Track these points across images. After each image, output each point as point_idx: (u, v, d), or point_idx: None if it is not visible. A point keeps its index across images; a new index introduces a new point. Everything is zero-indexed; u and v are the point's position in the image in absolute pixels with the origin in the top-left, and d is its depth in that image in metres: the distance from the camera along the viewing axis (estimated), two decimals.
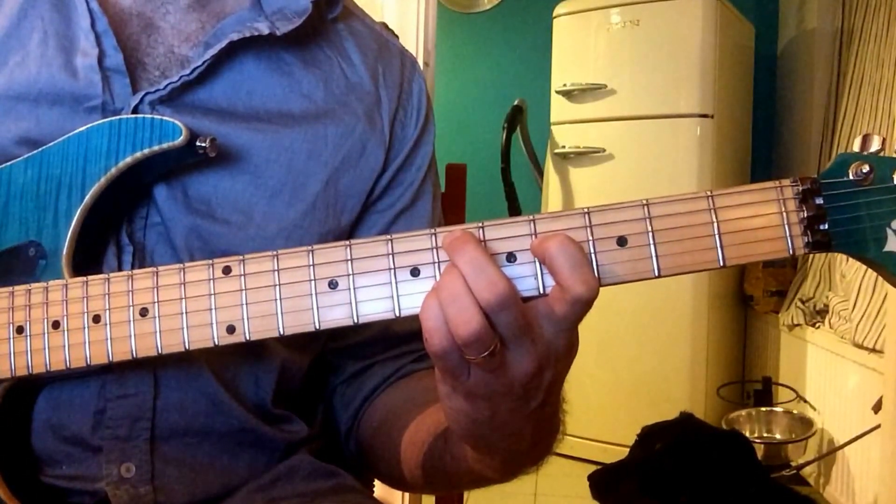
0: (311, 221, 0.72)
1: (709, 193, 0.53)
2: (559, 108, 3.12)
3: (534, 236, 0.53)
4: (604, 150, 2.97)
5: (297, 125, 0.73)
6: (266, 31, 0.70)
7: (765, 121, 3.47)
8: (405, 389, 0.78)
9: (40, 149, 0.65)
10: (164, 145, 0.63)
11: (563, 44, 3.12)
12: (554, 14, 3.13)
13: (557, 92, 3.09)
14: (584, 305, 0.51)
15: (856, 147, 0.53)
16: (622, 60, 2.95)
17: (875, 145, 0.52)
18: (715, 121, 2.86)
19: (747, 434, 2.74)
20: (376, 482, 1.03)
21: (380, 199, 0.78)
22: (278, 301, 0.55)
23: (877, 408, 2.06)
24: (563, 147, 3.07)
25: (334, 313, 0.55)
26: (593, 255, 0.52)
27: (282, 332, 0.55)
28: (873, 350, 2.27)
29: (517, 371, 0.53)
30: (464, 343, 0.50)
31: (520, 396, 0.54)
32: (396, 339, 0.79)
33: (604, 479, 1.94)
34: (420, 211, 0.81)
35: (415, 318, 0.53)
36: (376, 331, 0.78)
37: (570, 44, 3.09)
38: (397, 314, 0.54)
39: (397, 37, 0.86)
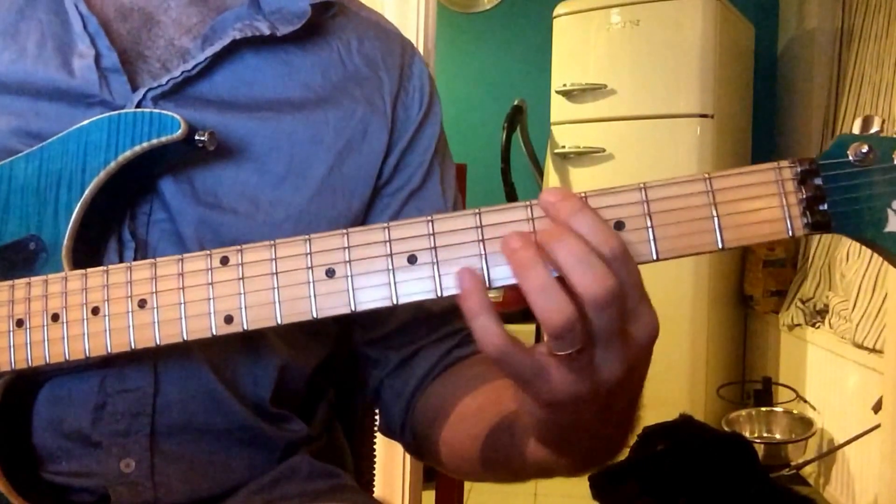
0: (319, 206, 0.73)
1: (706, 176, 0.52)
2: (559, 108, 3.12)
3: (531, 221, 0.52)
4: (604, 150, 2.97)
5: (298, 112, 0.73)
6: (267, 32, 0.71)
7: (765, 121, 3.47)
8: (456, 379, 0.76)
9: (40, 144, 0.65)
10: (163, 139, 0.63)
11: (563, 44, 3.12)
12: (554, 14, 3.13)
13: (557, 92, 3.09)
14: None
15: (856, 129, 0.52)
16: (622, 60, 2.95)
17: (875, 126, 0.51)
18: (715, 121, 2.86)
19: (747, 434, 2.74)
20: (376, 482, 1.03)
21: (388, 183, 0.78)
22: (276, 290, 0.55)
23: (877, 408, 2.06)
24: (563, 147, 3.07)
25: (331, 302, 0.54)
26: None
27: (279, 322, 0.55)
28: (873, 350, 2.27)
29: (605, 375, 0.51)
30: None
31: (605, 401, 0.53)
32: (435, 319, 0.78)
33: (604, 480, 1.94)
34: (430, 192, 0.80)
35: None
36: (412, 314, 0.77)
37: (570, 44, 3.10)
38: (395, 302, 0.53)
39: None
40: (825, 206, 0.51)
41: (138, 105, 0.67)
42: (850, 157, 0.51)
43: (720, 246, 0.51)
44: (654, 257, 0.52)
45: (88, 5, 0.70)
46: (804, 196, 0.51)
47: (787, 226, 0.51)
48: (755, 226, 0.51)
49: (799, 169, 0.52)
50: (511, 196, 3.26)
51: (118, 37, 0.70)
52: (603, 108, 2.99)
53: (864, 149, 0.51)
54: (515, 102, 3.30)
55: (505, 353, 0.49)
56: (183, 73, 0.68)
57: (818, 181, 0.51)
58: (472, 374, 0.75)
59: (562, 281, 0.49)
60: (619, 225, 0.52)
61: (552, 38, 3.15)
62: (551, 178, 3.13)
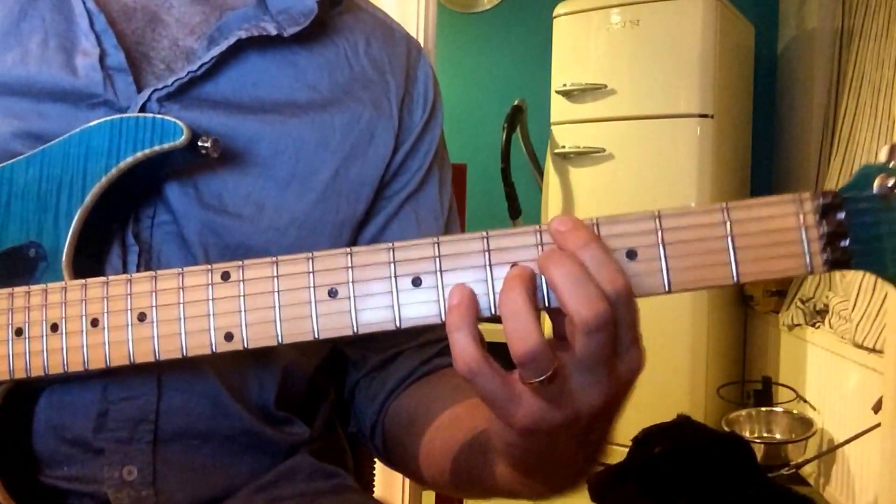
0: (324, 211, 0.72)
1: (724, 206, 0.49)
2: (559, 108, 3.11)
3: (540, 247, 0.50)
4: (604, 150, 2.96)
5: (304, 114, 0.73)
6: (274, 32, 0.70)
7: (765, 121, 3.46)
8: (434, 387, 0.76)
9: (41, 148, 0.64)
10: (165, 145, 0.62)
11: (563, 44, 3.11)
12: (554, 14, 3.13)
13: (557, 92, 3.08)
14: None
15: (882, 157, 0.49)
16: (622, 60, 2.95)
17: None
18: (715, 121, 2.86)
19: (747, 434, 2.74)
20: (376, 482, 1.03)
21: (388, 185, 0.78)
22: (277, 308, 0.54)
23: (877, 408, 2.06)
24: (563, 147, 3.06)
25: (333, 322, 0.53)
26: None
27: (280, 341, 0.54)
28: (873, 350, 2.27)
29: (583, 405, 0.49)
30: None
31: (582, 431, 0.52)
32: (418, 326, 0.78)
33: (603, 483, 1.94)
34: (427, 195, 0.80)
35: None
36: None
37: (570, 44, 3.09)
38: (398, 325, 0.52)
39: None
40: (846, 243, 0.49)
41: (143, 106, 0.66)
42: (875, 191, 0.48)
43: (735, 280, 0.49)
44: (666, 289, 0.50)
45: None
46: (825, 231, 0.49)
47: (806, 262, 0.49)
48: (772, 261, 0.49)
49: (821, 202, 0.49)
50: (511, 196, 3.26)
51: (122, 37, 0.69)
52: (603, 108, 2.98)
53: (891, 182, 0.48)
54: (515, 102, 3.29)
55: (477, 373, 0.49)
56: (189, 73, 0.68)
57: (841, 215, 0.49)
58: (452, 385, 0.74)
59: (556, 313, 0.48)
60: (631, 254, 0.50)
61: (552, 38, 3.14)
62: (551, 178, 3.13)
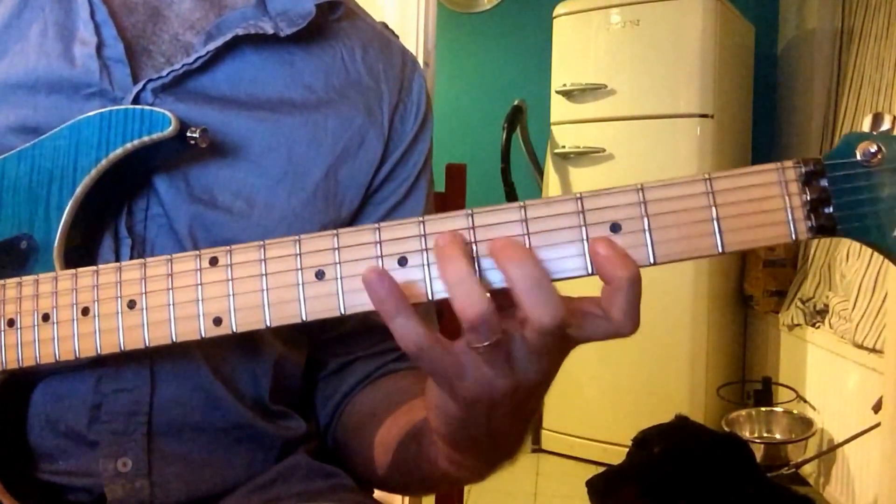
0: (312, 211, 0.72)
1: (707, 177, 0.50)
2: (559, 108, 3.12)
3: (525, 223, 0.51)
4: (604, 150, 2.97)
5: (298, 113, 0.73)
6: (270, 32, 0.71)
7: (765, 121, 3.47)
8: (383, 389, 0.77)
9: (33, 141, 0.65)
10: (154, 136, 0.62)
11: (563, 44, 3.12)
12: (554, 14, 3.13)
13: (557, 92, 3.09)
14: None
15: (865, 126, 0.49)
16: (622, 60, 2.95)
17: (886, 124, 0.49)
18: (715, 121, 2.86)
19: (747, 434, 2.74)
20: None
21: (376, 192, 0.78)
22: (265, 292, 0.54)
23: (877, 408, 2.06)
24: (563, 147, 3.07)
25: (321, 304, 0.53)
26: (585, 243, 0.50)
27: (268, 324, 0.54)
28: (873, 350, 2.27)
29: (528, 377, 0.51)
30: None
31: (521, 401, 0.53)
32: (378, 333, 0.78)
33: (603, 485, 1.94)
34: (412, 206, 0.81)
35: None
36: (357, 324, 0.78)
37: (570, 44, 3.10)
38: None
39: (397, 37, 0.86)
40: (830, 209, 0.49)
41: (137, 96, 0.67)
42: (858, 157, 0.49)
43: (720, 250, 0.49)
44: (651, 261, 0.50)
45: None
46: (808, 198, 0.49)
47: (791, 229, 0.49)
48: (757, 229, 0.49)
49: (803, 169, 0.49)
50: (511, 196, 3.26)
51: (123, 30, 0.69)
52: (603, 108, 2.98)
53: (873, 148, 0.48)
54: (515, 102, 3.30)
55: (423, 348, 0.50)
56: (184, 65, 0.68)
57: (824, 182, 0.49)
58: (397, 387, 0.76)
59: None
60: (615, 227, 0.50)
61: (552, 38, 3.15)
62: (551, 178, 3.13)
